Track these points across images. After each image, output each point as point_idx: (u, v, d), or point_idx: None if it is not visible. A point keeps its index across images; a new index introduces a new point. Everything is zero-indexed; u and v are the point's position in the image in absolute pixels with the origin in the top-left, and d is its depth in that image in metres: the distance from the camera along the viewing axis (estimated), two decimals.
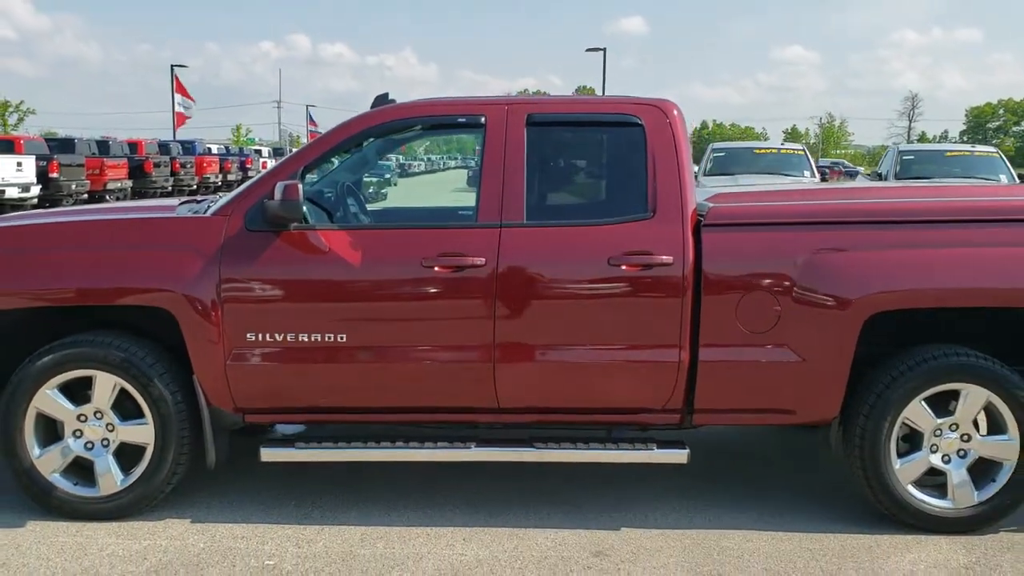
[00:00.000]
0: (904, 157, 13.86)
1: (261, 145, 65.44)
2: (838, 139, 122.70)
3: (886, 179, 13.87)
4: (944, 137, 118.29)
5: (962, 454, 3.97)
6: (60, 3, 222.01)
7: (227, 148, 45.92)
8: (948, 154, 13.91)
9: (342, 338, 3.90)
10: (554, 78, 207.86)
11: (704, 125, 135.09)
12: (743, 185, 10.48)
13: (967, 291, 3.82)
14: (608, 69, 40.10)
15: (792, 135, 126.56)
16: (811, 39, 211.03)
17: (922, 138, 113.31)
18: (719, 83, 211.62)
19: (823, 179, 17.27)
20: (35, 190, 21.92)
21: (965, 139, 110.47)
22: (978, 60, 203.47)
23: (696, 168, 17.80)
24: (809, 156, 14.29)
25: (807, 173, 13.53)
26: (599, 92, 43.86)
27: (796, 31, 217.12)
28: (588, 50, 40.54)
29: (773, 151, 14.40)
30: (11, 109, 59.23)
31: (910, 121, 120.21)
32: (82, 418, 3.98)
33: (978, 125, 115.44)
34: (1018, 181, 12.62)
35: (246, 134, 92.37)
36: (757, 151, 14.42)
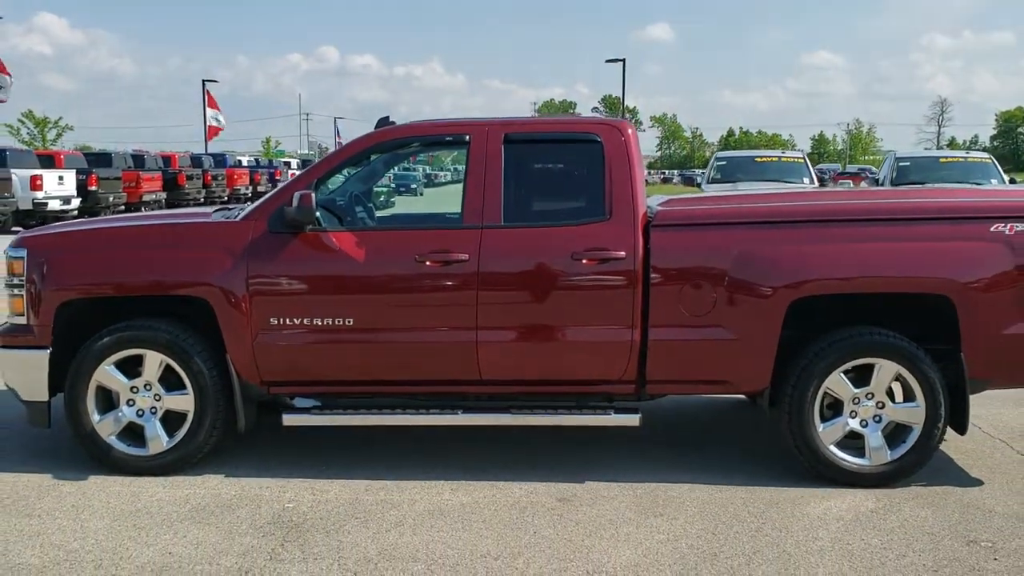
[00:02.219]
0: (900, 164, 14.39)
1: (290, 157, 66.88)
2: (866, 145, 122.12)
3: (883, 185, 14.44)
4: (974, 142, 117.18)
5: (878, 419, 4.64)
6: (94, 19, 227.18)
7: (257, 160, 47.20)
8: (943, 160, 14.41)
9: (349, 322, 4.65)
10: (582, 87, 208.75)
11: (731, 132, 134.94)
12: (740, 191, 11.18)
13: (864, 279, 4.49)
14: (640, 76, 40.87)
15: (819, 142, 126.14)
16: (840, 44, 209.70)
17: (951, 143, 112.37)
18: (748, 89, 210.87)
19: (822, 184, 17.79)
20: (75, 202, 23.03)
21: (996, 144, 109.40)
22: (1012, 63, 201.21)
23: (701, 175, 18.45)
24: (809, 163, 14.86)
25: (806, 180, 14.11)
26: (623, 101, 44.57)
27: (825, 36, 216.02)
28: (608, 61, 41.27)
29: (774, 159, 14.98)
30: (50, 125, 61.14)
31: (939, 126, 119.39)
32: (134, 390, 4.78)
33: (1008, 129, 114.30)
34: (1008, 184, 13.13)
35: (276, 146, 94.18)
36: (758, 159, 15.01)
